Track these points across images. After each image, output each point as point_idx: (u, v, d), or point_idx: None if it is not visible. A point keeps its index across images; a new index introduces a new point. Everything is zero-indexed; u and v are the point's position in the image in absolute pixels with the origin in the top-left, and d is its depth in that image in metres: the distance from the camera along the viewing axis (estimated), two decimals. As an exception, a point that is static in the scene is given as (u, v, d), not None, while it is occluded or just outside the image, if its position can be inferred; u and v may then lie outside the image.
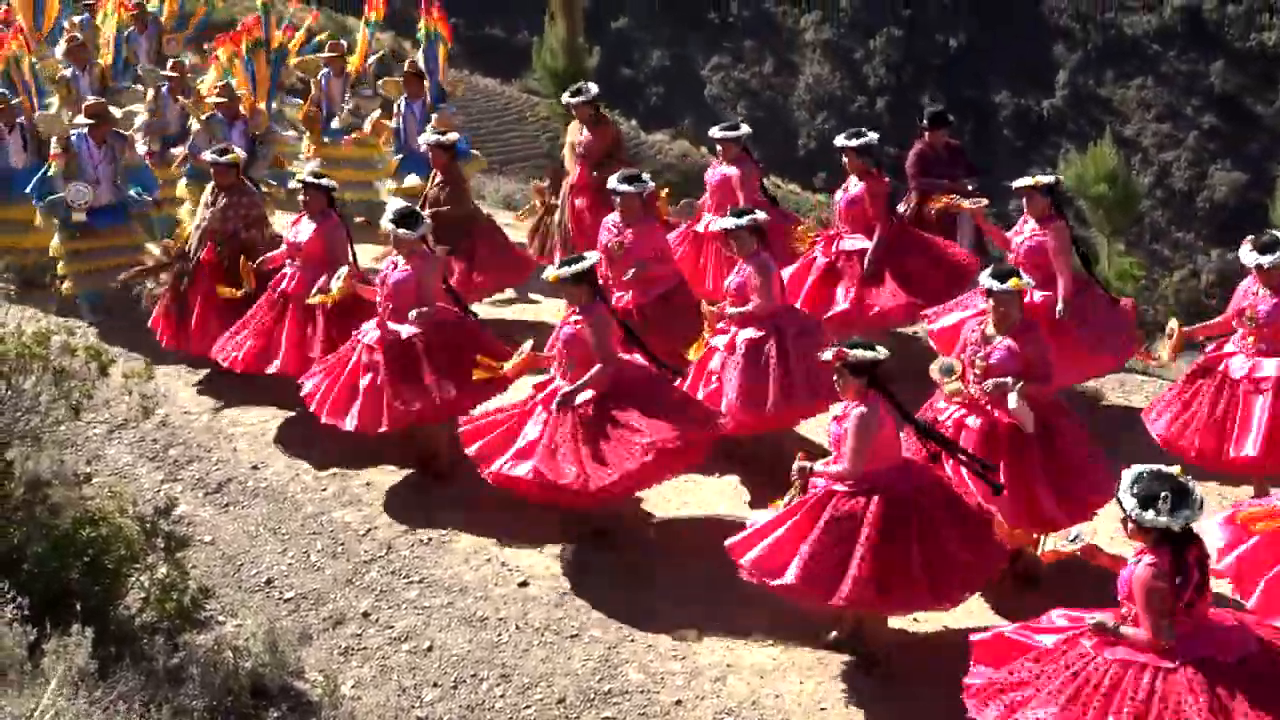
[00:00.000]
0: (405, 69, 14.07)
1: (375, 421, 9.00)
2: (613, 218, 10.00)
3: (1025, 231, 9.61)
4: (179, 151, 13.27)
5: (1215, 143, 57.23)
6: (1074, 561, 8.24)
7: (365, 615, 8.23)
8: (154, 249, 12.63)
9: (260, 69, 12.98)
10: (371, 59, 14.92)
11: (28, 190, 12.19)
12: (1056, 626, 6.08)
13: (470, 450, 8.49)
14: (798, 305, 9.90)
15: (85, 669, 6.02)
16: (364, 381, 9.07)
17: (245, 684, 7.01)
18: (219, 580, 8.51)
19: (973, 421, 7.66)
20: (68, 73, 14.33)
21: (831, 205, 11.05)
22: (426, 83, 13.72)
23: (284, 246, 10.44)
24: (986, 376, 7.61)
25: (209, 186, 11.08)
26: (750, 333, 8.90)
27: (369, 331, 9.23)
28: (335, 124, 14.55)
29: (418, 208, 10.12)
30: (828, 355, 7.18)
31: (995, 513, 7.34)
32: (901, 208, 11.25)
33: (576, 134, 12.17)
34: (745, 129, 11.27)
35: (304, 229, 10.23)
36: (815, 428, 9.36)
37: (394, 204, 10.07)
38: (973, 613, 7.83)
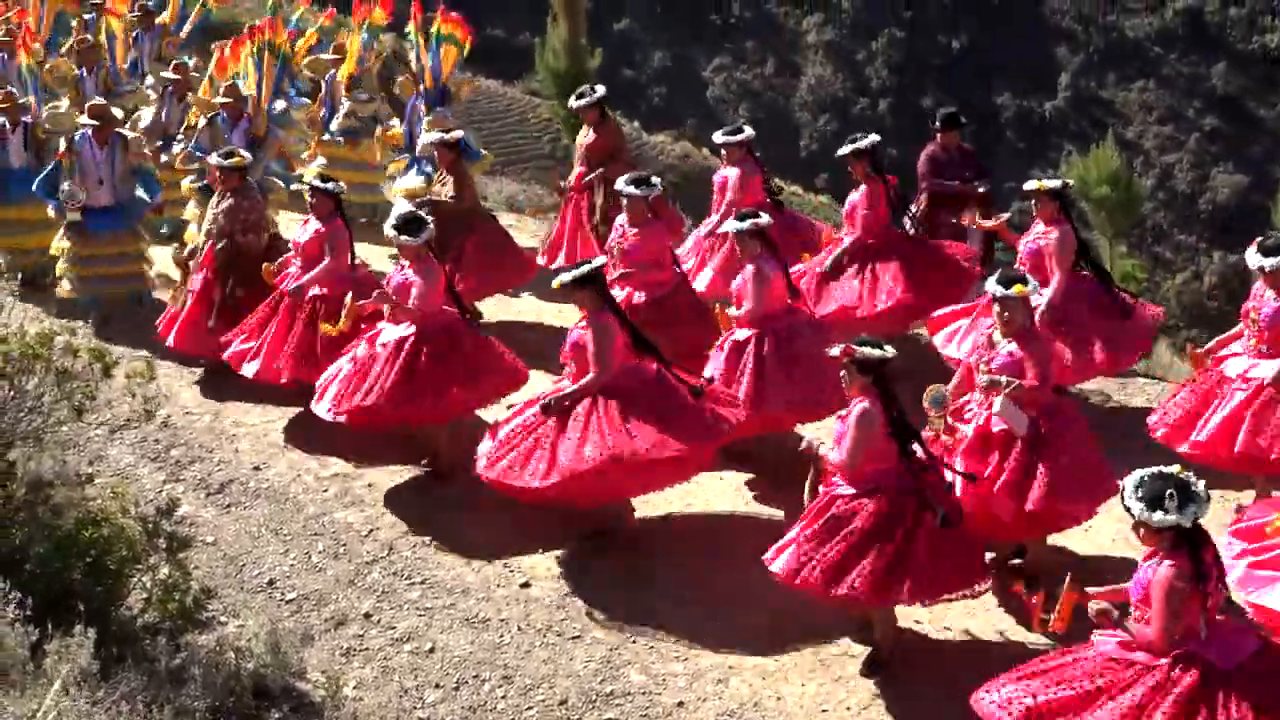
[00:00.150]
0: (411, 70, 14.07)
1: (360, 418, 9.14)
2: (622, 218, 10.04)
3: (1032, 234, 9.71)
4: (178, 150, 13.30)
5: (1217, 145, 57.23)
6: (1075, 562, 8.28)
7: (367, 616, 8.23)
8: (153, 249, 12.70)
9: (267, 71, 12.99)
10: (373, 61, 14.88)
11: (33, 188, 12.20)
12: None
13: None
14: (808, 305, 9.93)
15: (87, 669, 6.02)
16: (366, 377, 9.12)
17: (247, 685, 7.01)
18: (221, 581, 8.51)
19: (966, 427, 7.72)
20: (80, 73, 14.36)
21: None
22: (421, 85, 13.65)
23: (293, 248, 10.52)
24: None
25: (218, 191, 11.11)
26: (738, 334, 9.02)
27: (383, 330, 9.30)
28: (334, 125, 14.56)
29: (420, 211, 10.12)
30: (835, 351, 7.23)
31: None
32: (911, 210, 11.26)
33: (583, 136, 12.21)
34: (748, 132, 11.28)
35: (307, 230, 10.27)
36: (815, 428, 9.36)
37: (400, 206, 10.08)
38: (974, 614, 7.84)
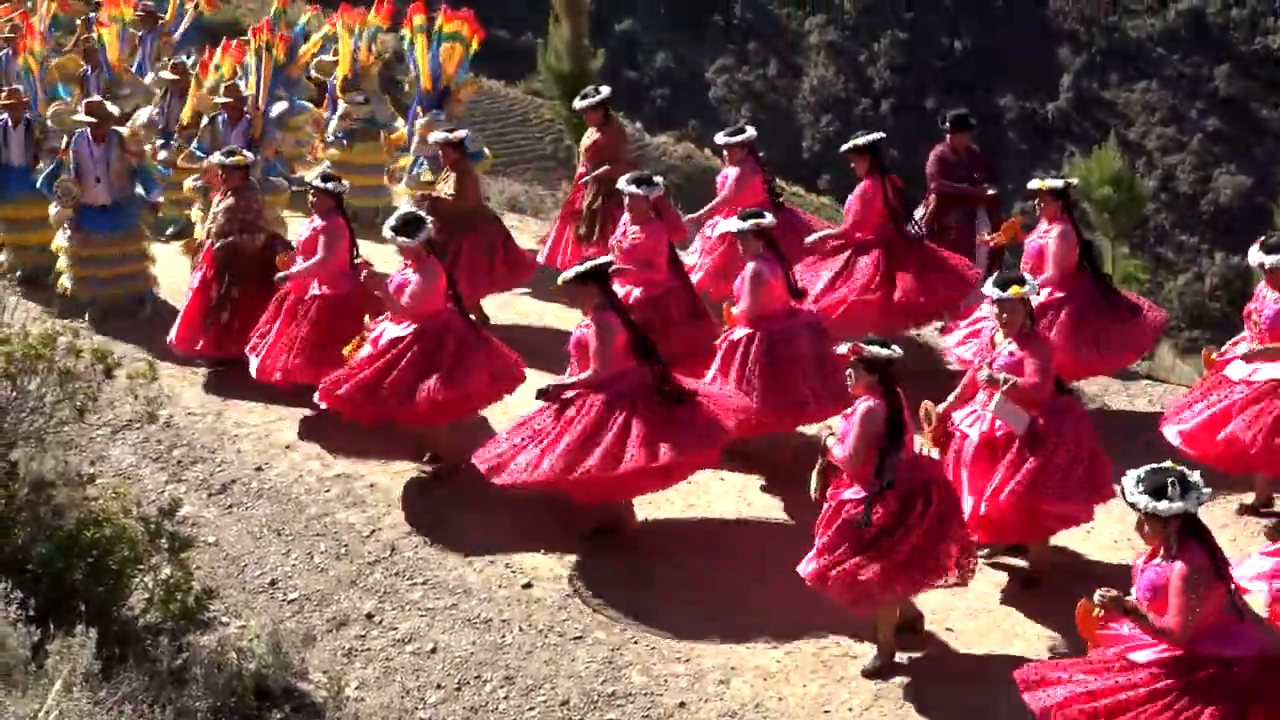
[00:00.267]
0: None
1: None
2: (626, 217, 10.07)
3: (1036, 233, 9.76)
4: (174, 147, 13.35)
5: (1220, 146, 57.19)
6: (1076, 563, 8.28)
7: (369, 617, 8.23)
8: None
9: (264, 73, 13.00)
10: (372, 62, 14.84)
11: (37, 186, 12.21)
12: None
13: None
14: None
15: (89, 670, 6.03)
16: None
17: (249, 685, 7.01)
18: (223, 581, 8.52)
19: (974, 430, 7.76)
20: (85, 70, 14.38)
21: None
22: (418, 87, 13.60)
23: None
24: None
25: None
26: (735, 334, 9.06)
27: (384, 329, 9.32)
28: (330, 127, 14.56)
29: (419, 209, 10.14)
30: (843, 349, 7.26)
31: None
32: (919, 211, 11.26)
33: (588, 137, 12.25)
34: (750, 132, 11.28)
35: (308, 228, 10.31)
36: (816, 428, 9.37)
37: (405, 207, 10.10)
38: (976, 615, 7.84)
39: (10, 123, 12.78)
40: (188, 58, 14.60)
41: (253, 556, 8.90)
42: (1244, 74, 58.02)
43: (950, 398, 8.00)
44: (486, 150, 14.07)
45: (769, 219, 9.12)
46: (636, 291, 9.73)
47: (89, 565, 6.94)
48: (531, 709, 7.39)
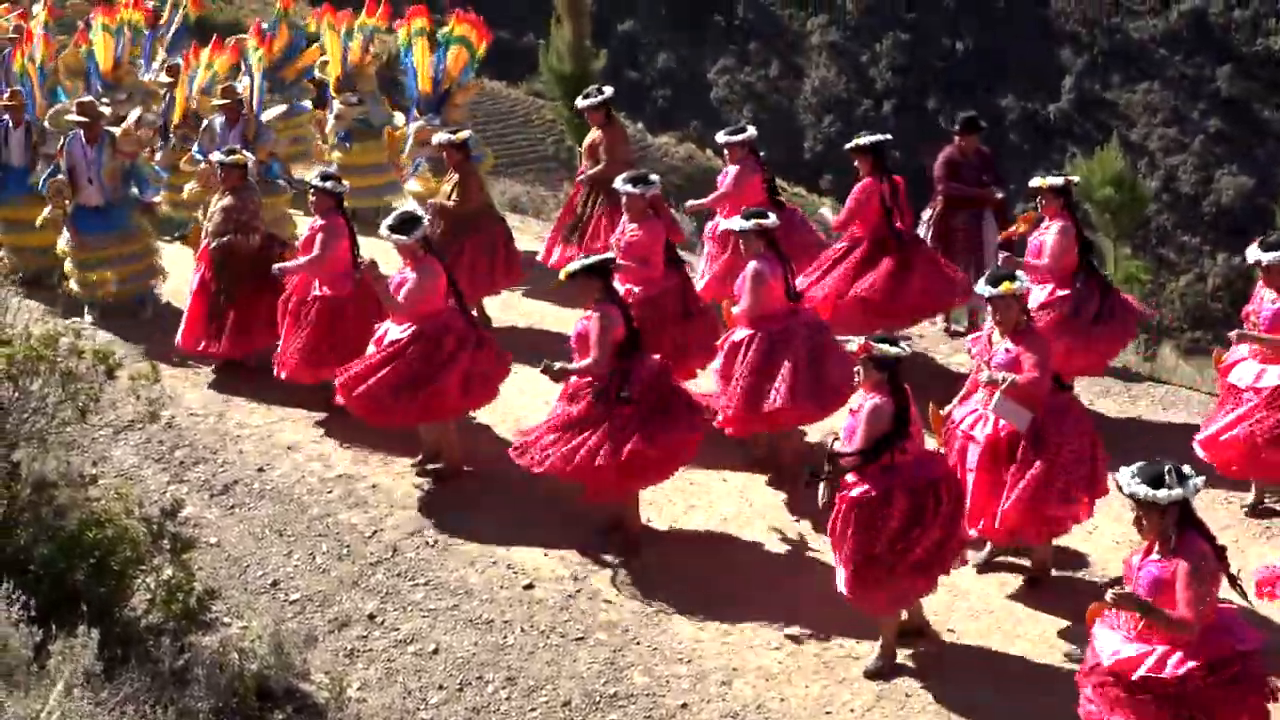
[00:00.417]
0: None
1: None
2: (625, 216, 10.09)
3: (1039, 230, 9.78)
4: (168, 147, 13.37)
5: (1222, 147, 57.13)
6: (1077, 563, 8.28)
7: (371, 617, 8.23)
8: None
9: (255, 74, 13.02)
10: (368, 62, 14.81)
11: (39, 187, 12.21)
12: None
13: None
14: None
15: (91, 670, 6.03)
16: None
17: (251, 686, 7.02)
18: (225, 582, 8.52)
19: (979, 432, 7.77)
20: (89, 66, 14.40)
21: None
22: (416, 89, 13.57)
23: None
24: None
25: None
26: (736, 334, 9.06)
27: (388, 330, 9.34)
28: (329, 128, 14.56)
29: (422, 211, 10.15)
30: (853, 347, 7.29)
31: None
32: (926, 213, 11.24)
33: (589, 137, 12.27)
34: (750, 131, 11.28)
35: (307, 228, 10.36)
36: (817, 429, 9.36)
37: (406, 207, 10.12)
38: (977, 615, 7.84)
39: (11, 124, 12.79)
40: (181, 60, 14.59)
41: (255, 557, 8.90)
42: (1246, 75, 57.95)
43: (955, 401, 8.03)
44: (488, 151, 14.05)
45: (772, 219, 9.12)
46: (636, 290, 9.74)
47: (91, 566, 6.94)
48: (533, 710, 7.39)
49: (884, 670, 7.39)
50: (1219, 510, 8.66)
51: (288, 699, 7.25)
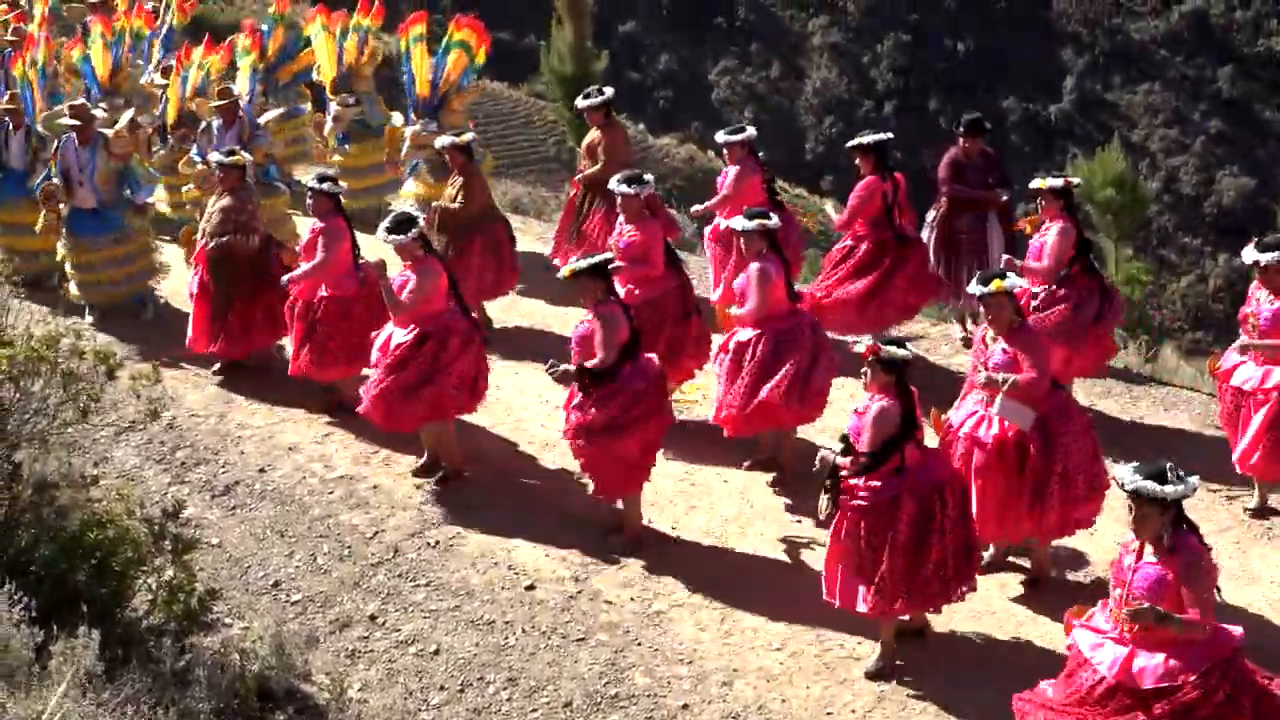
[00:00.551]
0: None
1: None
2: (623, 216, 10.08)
3: (1040, 231, 9.78)
4: (163, 150, 13.36)
5: (1223, 148, 57.09)
6: (1078, 564, 8.28)
7: (372, 618, 8.23)
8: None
9: (245, 75, 13.03)
10: (365, 62, 14.79)
11: (36, 191, 12.22)
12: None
13: None
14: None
15: (92, 671, 6.03)
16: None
17: (252, 686, 7.02)
18: (226, 583, 8.52)
19: (984, 434, 7.76)
20: (86, 74, 14.39)
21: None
22: (413, 92, 13.56)
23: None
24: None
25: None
26: (741, 335, 9.04)
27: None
28: (327, 129, 14.55)
29: (414, 213, 10.14)
30: (861, 348, 7.28)
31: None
32: (930, 214, 11.23)
33: (588, 138, 12.28)
34: (750, 131, 11.28)
35: (308, 231, 10.36)
36: (814, 429, 9.37)
37: (406, 208, 10.11)
38: (979, 617, 7.84)
39: (11, 127, 12.79)
40: (173, 62, 14.59)
41: (256, 558, 8.90)
42: (1247, 76, 57.92)
43: (956, 404, 8.03)
44: (486, 154, 14.04)
45: (775, 220, 9.12)
46: (637, 291, 9.74)
47: (92, 567, 6.94)
48: (535, 710, 7.39)
49: (885, 671, 7.39)
50: (1219, 510, 8.67)
51: (289, 700, 7.25)
